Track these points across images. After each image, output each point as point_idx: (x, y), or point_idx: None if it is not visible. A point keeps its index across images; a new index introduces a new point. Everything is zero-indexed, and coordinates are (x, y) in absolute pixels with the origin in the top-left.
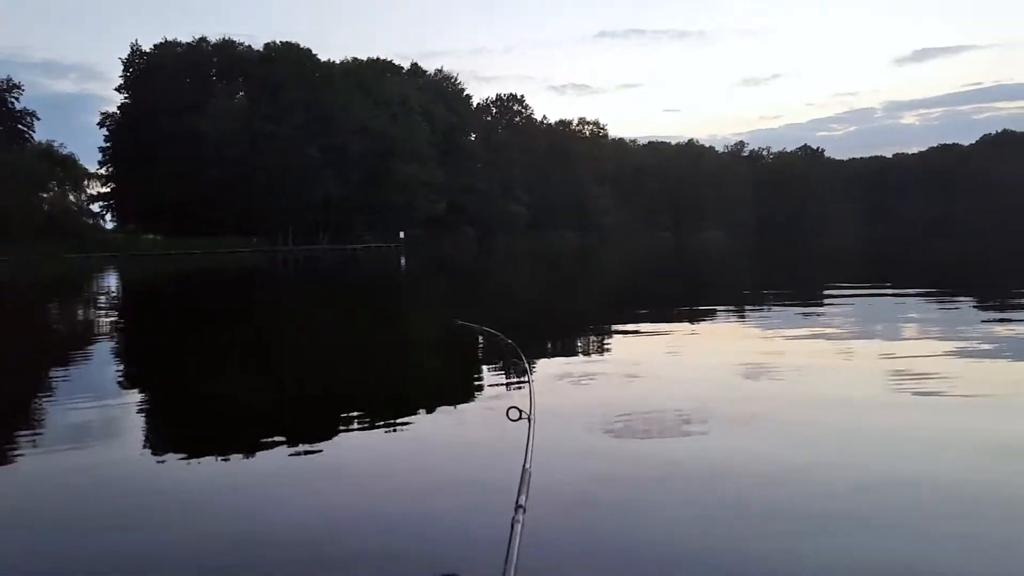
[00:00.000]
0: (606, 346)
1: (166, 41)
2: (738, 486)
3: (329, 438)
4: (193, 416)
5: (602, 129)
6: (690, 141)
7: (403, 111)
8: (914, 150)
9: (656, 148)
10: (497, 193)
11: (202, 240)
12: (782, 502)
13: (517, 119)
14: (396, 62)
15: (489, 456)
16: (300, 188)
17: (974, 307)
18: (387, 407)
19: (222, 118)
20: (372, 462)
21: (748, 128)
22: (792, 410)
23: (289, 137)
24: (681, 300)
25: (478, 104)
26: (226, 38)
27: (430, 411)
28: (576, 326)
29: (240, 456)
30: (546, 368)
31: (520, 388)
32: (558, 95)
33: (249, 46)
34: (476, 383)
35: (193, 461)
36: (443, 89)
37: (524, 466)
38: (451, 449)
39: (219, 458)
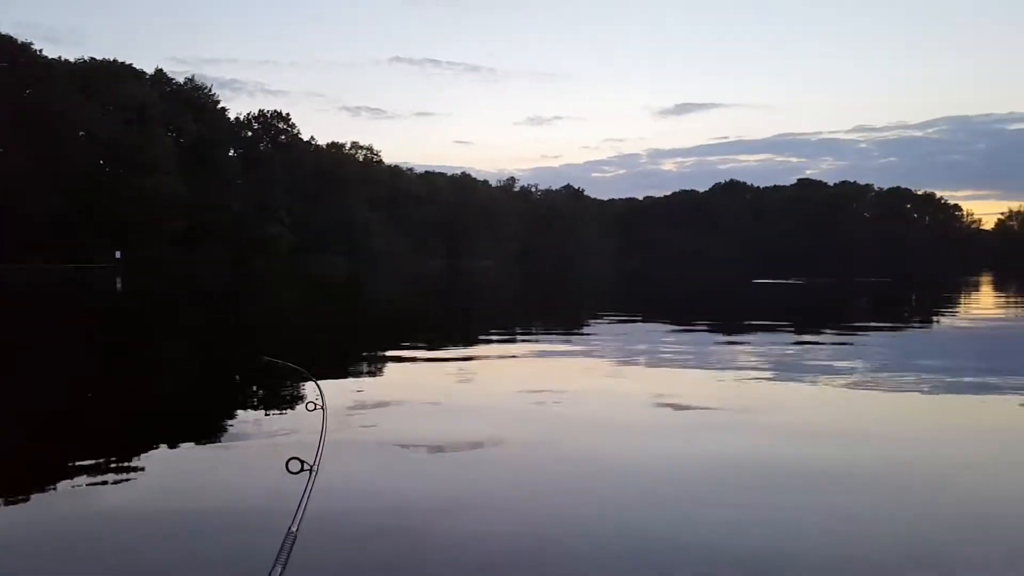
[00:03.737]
0: (393, 376)
1: None
2: (535, 509)
3: (51, 488)
4: None
5: (376, 154)
6: (464, 174)
7: (140, 119)
8: (667, 193)
9: (431, 178)
10: (254, 213)
11: None
12: (582, 519)
13: (282, 137)
14: (137, 66)
15: (253, 518)
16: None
17: (708, 332)
18: (131, 464)
19: None
20: (94, 525)
21: (532, 164)
22: (576, 429)
23: None
24: (456, 327)
25: (237, 118)
26: None
27: (189, 466)
28: (355, 356)
29: None
30: (336, 406)
31: (309, 434)
32: (352, 116)
33: None
34: (259, 428)
35: None
36: (193, 99)
37: (290, 529)
38: (208, 510)
39: None
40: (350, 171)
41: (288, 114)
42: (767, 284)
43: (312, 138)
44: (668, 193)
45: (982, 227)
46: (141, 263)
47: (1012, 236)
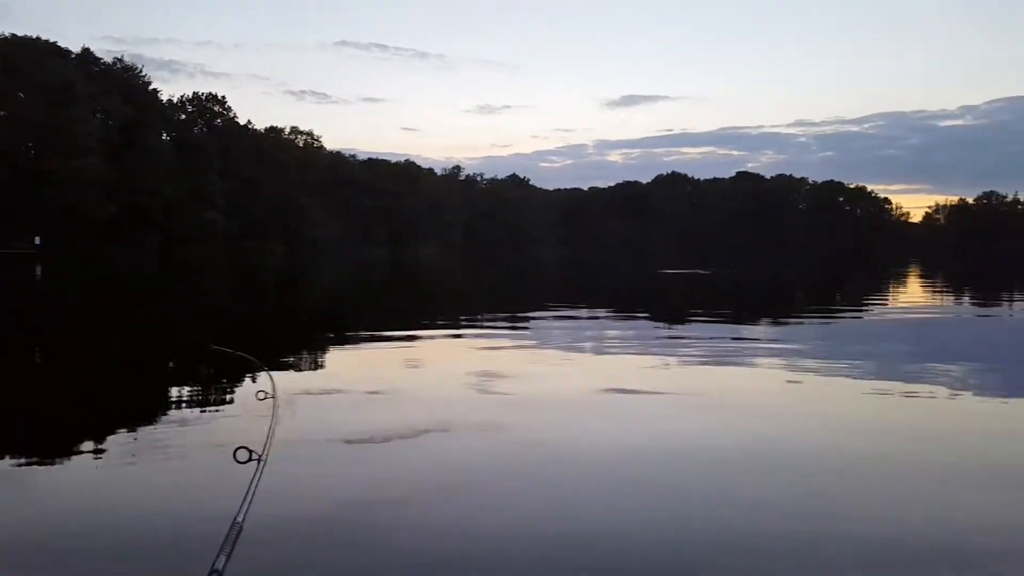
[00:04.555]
0: (339, 364)
1: None
2: (483, 494)
3: None
4: None
5: (316, 140)
6: (408, 161)
7: (64, 99)
8: (611, 184)
9: (374, 165)
10: (188, 198)
11: None
12: (531, 505)
13: (218, 121)
14: (70, 45)
15: (198, 508)
16: None
17: (650, 322)
18: (75, 451)
19: None
20: (34, 514)
21: (481, 153)
22: (526, 416)
23: None
24: (400, 316)
25: (170, 101)
26: None
27: (135, 456)
28: (298, 344)
29: None
30: (284, 395)
31: (258, 424)
32: (296, 100)
33: None
34: (207, 417)
35: None
36: (123, 80)
37: (235, 519)
38: (154, 500)
39: None
40: (289, 156)
41: (224, 97)
42: (670, 274)
43: (249, 122)
44: (612, 184)
45: (910, 220)
46: (64, 250)
47: (938, 229)
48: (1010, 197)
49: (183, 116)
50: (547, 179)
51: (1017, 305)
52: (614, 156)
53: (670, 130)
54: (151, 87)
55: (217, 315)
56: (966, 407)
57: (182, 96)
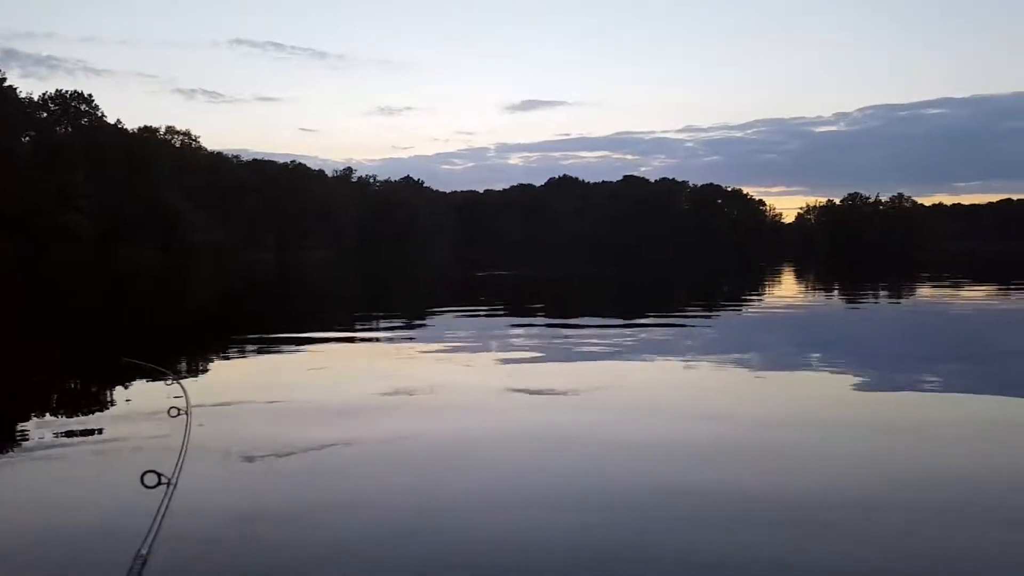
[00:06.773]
0: (238, 373)
1: None
2: (393, 503)
3: None
4: None
5: (195, 140)
6: (295, 162)
7: None
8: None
9: (259, 166)
10: (50, 202)
11: None
12: (441, 516)
13: (84, 120)
14: None
15: (99, 540)
16: None
17: (547, 324)
18: None
19: None
20: None
21: (382, 155)
22: (427, 422)
23: None
24: (296, 322)
25: (30, 99)
26: None
27: (32, 483)
28: (195, 355)
29: None
30: (193, 409)
31: (169, 441)
32: (186, 99)
33: None
34: (114, 438)
35: None
36: None
37: (139, 551)
38: (51, 532)
39: None
40: (163, 157)
41: (91, 95)
42: (483, 276)
43: (119, 121)
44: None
45: (783, 220)
46: None
47: (809, 228)
48: (872, 198)
49: (44, 115)
50: (449, 181)
51: (881, 298)
52: (514, 159)
53: (568, 134)
54: (6, 83)
55: (98, 325)
56: (842, 384)
57: (44, 94)
